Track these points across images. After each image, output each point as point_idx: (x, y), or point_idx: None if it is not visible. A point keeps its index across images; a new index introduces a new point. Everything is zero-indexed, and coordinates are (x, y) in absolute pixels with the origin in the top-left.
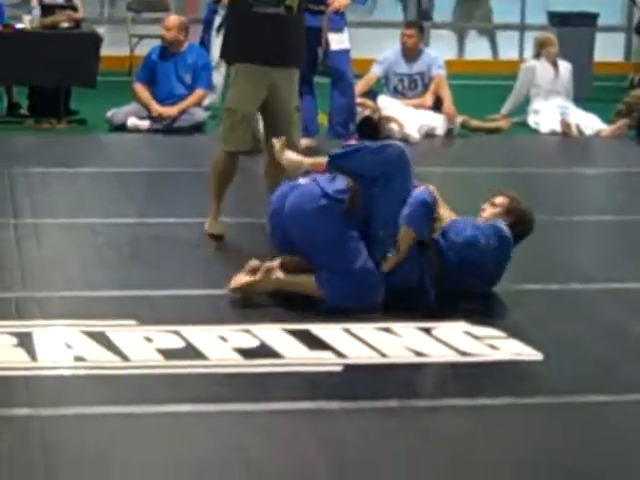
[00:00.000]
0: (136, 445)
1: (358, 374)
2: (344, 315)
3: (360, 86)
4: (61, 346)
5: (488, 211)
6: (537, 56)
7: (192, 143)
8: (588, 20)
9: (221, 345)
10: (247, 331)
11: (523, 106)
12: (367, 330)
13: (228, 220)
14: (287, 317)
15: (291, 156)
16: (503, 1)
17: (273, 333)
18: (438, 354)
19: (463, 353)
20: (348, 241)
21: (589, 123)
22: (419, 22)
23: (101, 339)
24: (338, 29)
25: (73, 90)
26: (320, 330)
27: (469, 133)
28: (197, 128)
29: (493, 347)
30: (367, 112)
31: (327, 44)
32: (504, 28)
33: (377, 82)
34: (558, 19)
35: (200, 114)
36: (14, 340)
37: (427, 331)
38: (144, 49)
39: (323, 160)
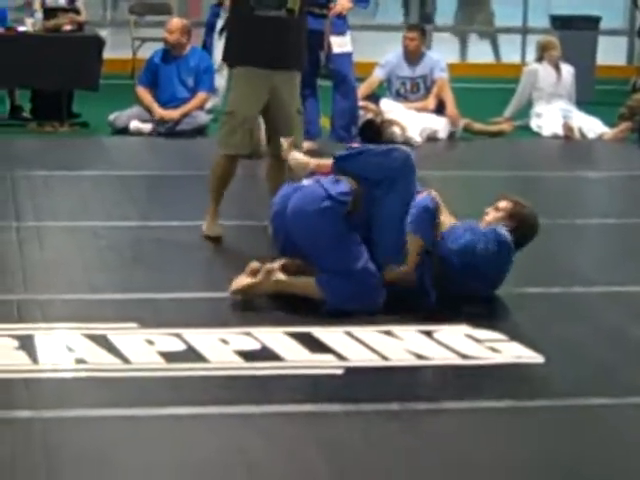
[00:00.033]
0: (137, 448)
1: (359, 377)
2: (345, 318)
3: (362, 89)
4: (62, 349)
5: (491, 215)
6: (539, 59)
7: (194, 146)
8: (590, 23)
9: (222, 348)
10: (248, 334)
11: (525, 109)
12: (368, 333)
13: (230, 223)
14: (288, 320)
15: (297, 156)
16: (506, 4)
17: (274, 336)
18: (439, 357)
19: (464, 356)
20: (350, 243)
21: (591, 126)
22: (421, 25)
23: (102, 342)
24: (340, 32)
25: (75, 93)
26: (321, 333)
27: (471, 136)
28: (199, 131)
29: (494, 350)
30: (369, 115)
31: (329, 47)
32: (507, 31)
33: (379, 85)
34: (560, 22)
35: (202, 117)
36: (15, 343)
37: (428, 334)
38: (147, 52)
39: (328, 161)
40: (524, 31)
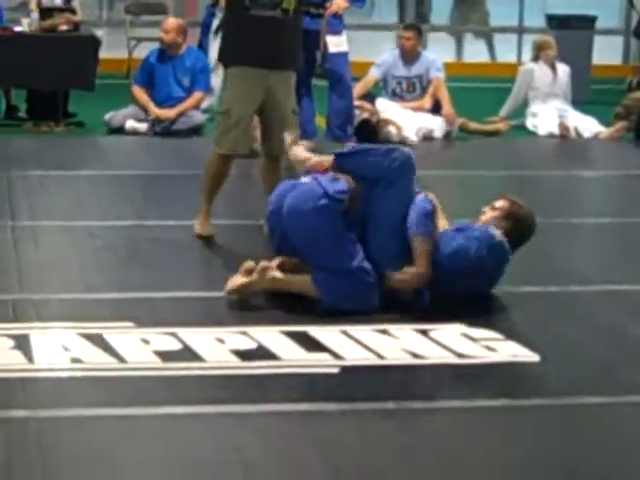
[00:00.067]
0: (133, 447)
1: (355, 376)
2: (341, 317)
3: (358, 89)
4: (58, 348)
5: (488, 214)
6: (535, 59)
7: (190, 146)
8: (586, 23)
9: (218, 347)
10: (244, 333)
11: (521, 109)
12: (364, 332)
13: (226, 222)
14: (284, 319)
15: (299, 152)
16: (501, 4)
17: (270, 335)
18: (435, 356)
19: (460, 355)
20: (346, 241)
21: (587, 126)
22: (417, 25)
23: (98, 341)
24: (336, 32)
25: (71, 93)
26: (317, 332)
27: (467, 136)
28: (195, 131)
29: (490, 349)
30: (365, 115)
31: (325, 47)
32: (502, 31)
33: (375, 85)
34: (556, 22)
35: (198, 117)
36: (11, 342)
37: (424, 333)
38: (142, 52)
39: (329, 158)
40: (520, 30)
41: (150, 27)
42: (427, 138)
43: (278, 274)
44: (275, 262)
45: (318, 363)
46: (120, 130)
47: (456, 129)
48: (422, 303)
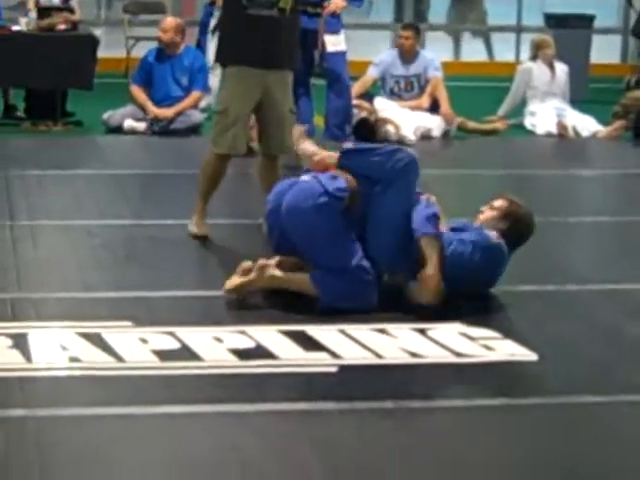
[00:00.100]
0: (131, 446)
1: (353, 375)
2: (339, 316)
3: (356, 88)
4: (56, 347)
5: (486, 214)
6: (533, 58)
7: (188, 145)
8: (584, 22)
9: (216, 346)
10: (242, 332)
11: (519, 108)
12: (362, 331)
13: (224, 221)
14: (282, 318)
15: (307, 146)
16: (499, 3)
17: (268, 334)
18: (433, 355)
19: (458, 354)
20: (345, 239)
21: (585, 125)
22: (416, 24)
23: (96, 340)
24: (334, 31)
25: (70, 92)
26: (315, 331)
27: (465, 135)
28: (193, 130)
29: (488, 348)
30: (363, 114)
31: (323, 46)
32: (501, 30)
33: (373, 84)
34: (554, 21)
35: (196, 116)
36: (9, 341)
37: (422, 332)
38: (141, 51)
39: (335, 155)
40: (518, 29)
41: (148, 26)
42: (425, 137)
43: (277, 272)
44: (273, 260)
45: (316, 362)
46: (118, 129)
47: (454, 128)
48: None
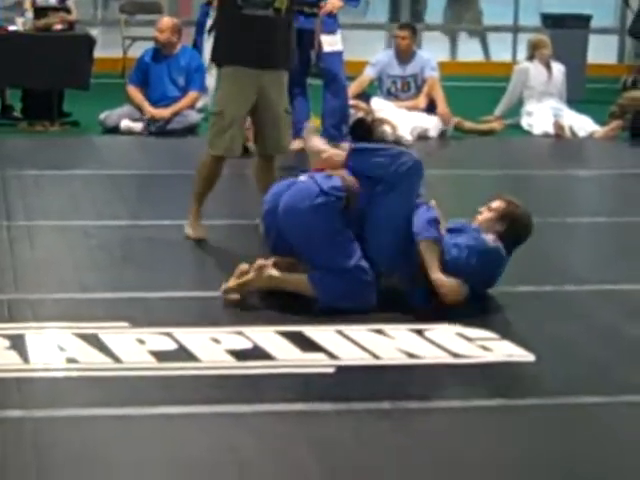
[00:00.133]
0: (128, 447)
1: (351, 376)
2: (337, 316)
3: (353, 88)
4: (53, 348)
5: (484, 215)
6: (530, 58)
7: (185, 145)
8: (581, 22)
9: (214, 347)
10: (240, 333)
11: (516, 108)
12: (360, 332)
13: (221, 222)
14: (280, 319)
15: (316, 143)
16: (496, 3)
17: (265, 335)
18: (431, 356)
19: (455, 355)
20: (343, 240)
21: (582, 125)
22: (412, 24)
23: (93, 341)
24: (331, 31)
25: (66, 92)
26: (313, 332)
27: (462, 135)
28: (190, 130)
29: (485, 349)
30: (360, 114)
31: (320, 46)
32: (497, 30)
33: (370, 84)
34: (551, 21)
35: (193, 116)
36: (6, 342)
37: (420, 333)
38: (137, 51)
39: (342, 153)
40: (515, 29)
41: (145, 26)
42: (422, 137)
43: (275, 272)
44: (270, 261)
45: (313, 363)
46: (115, 130)
47: (451, 128)
48: (417, 303)
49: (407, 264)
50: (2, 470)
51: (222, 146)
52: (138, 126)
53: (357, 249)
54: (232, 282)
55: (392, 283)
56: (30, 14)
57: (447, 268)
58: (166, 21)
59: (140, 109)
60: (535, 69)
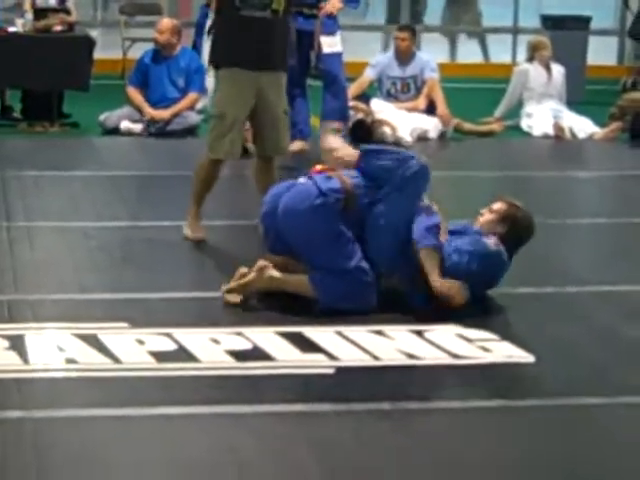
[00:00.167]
0: (128, 447)
1: (350, 376)
2: (336, 317)
3: (353, 89)
4: (53, 349)
5: (485, 217)
6: (530, 59)
7: (185, 146)
8: (581, 23)
9: (213, 348)
10: (239, 334)
11: (516, 109)
12: (359, 333)
13: (220, 223)
14: (279, 320)
15: (331, 140)
16: (496, 4)
17: (265, 336)
18: (430, 357)
19: (455, 356)
20: (343, 241)
21: (582, 126)
22: (412, 25)
23: (93, 342)
24: (331, 32)
25: (66, 93)
26: (312, 333)
27: (462, 136)
28: (190, 131)
29: (485, 349)
30: (360, 115)
31: (319, 47)
32: (497, 31)
33: (370, 85)
34: (551, 22)
35: (193, 117)
36: (6, 343)
37: (419, 334)
38: (137, 52)
39: (354, 153)
40: (515, 31)
41: (144, 28)
42: (422, 139)
43: (276, 273)
44: (269, 262)
45: (313, 364)
46: (115, 131)
47: (451, 130)
48: (416, 304)
49: (407, 265)
50: (2, 470)
51: (222, 150)
52: (138, 127)
53: (357, 250)
54: (232, 285)
55: (392, 284)
56: (30, 15)
57: (448, 273)
58: (166, 22)
59: (140, 110)
60: (535, 71)
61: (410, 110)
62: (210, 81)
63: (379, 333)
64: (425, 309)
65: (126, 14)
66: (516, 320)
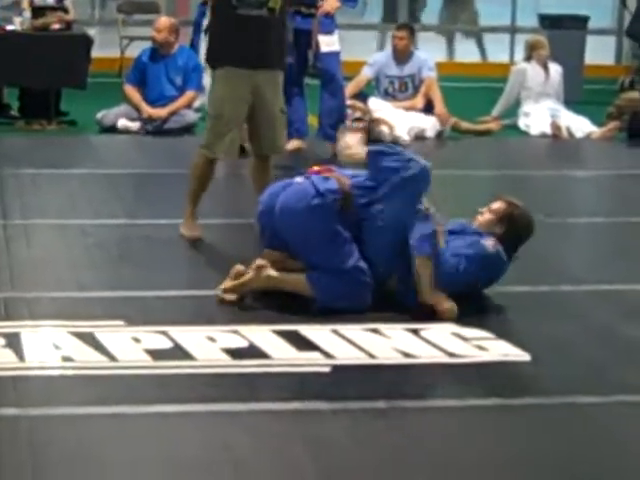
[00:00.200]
0: (124, 445)
1: (346, 375)
2: (332, 316)
3: (350, 88)
4: (49, 346)
5: (484, 216)
6: (528, 59)
7: (182, 145)
8: (579, 23)
9: (209, 346)
10: (235, 332)
11: (513, 108)
12: (355, 331)
13: (217, 221)
14: (276, 318)
15: (348, 139)
16: (494, 3)
17: (261, 334)
18: (426, 355)
19: (451, 354)
20: (341, 240)
21: (580, 126)
22: (410, 24)
23: (89, 340)
24: (328, 31)
25: (63, 91)
26: (308, 331)
27: (459, 135)
28: (187, 130)
29: (481, 348)
30: (357, 114)
31: (317, 46)
32: (495, 30)
33: (368, 84)
34: (549, 22)
35: (190, 116)
36: (2, 341)
37: (415, 332)
38: (134, 51)
39: (363, 155)
40: (512, 30)
41: (142, 26)
42: (419, 138)
43: (273, 272)
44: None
45: (309, 362)
46: (112, 129)
47: (448, 129)
48: (411, 303)
49: (404, 265)
50: None
51: (221, 149)
52: (135, 125)
53: (355, 250)
54: (228, 283)
55: (389, 284)
56: (28, 13)
57: (445, 278)
58: (163, 21)
59: (137, 108)
60: (532, 70)
61: (408, 109)
62: (208, 79)
63: (375, 331)
64: (420, 308)
65: (124, 12)
66: (512, 319)
